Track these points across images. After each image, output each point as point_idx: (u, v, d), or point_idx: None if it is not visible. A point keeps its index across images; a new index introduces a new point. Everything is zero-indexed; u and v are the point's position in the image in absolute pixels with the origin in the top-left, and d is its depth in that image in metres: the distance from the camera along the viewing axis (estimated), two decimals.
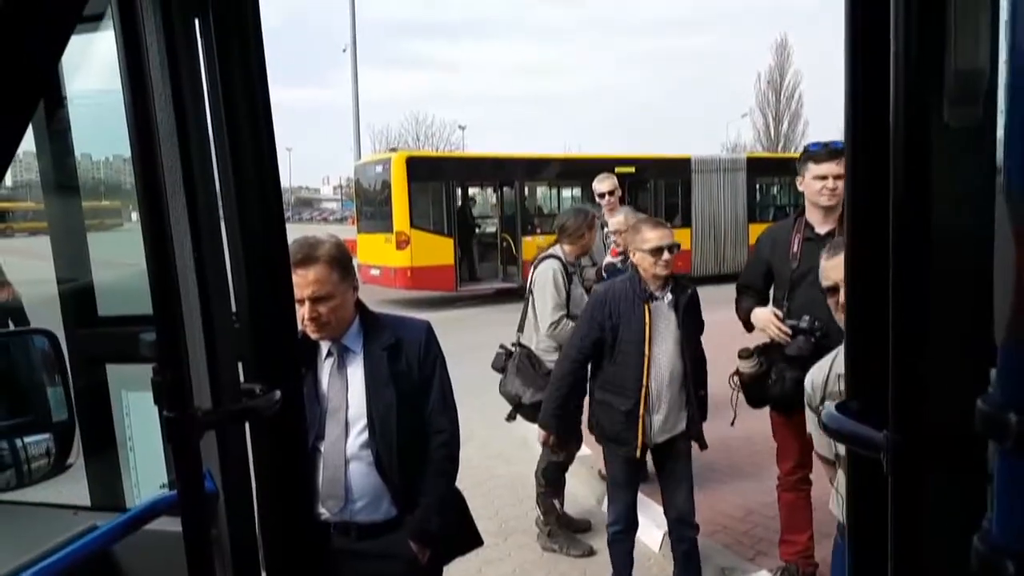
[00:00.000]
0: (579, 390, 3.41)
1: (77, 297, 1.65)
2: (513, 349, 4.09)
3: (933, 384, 0.63)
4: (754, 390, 3.25)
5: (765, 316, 3.23)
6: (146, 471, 1.69)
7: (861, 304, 0.75)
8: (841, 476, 1.93)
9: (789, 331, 3.10)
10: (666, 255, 3.11)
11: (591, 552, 4.05)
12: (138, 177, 0.86)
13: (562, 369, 3.35)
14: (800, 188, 3.26)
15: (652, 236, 3.12)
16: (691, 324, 3.26)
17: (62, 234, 1.71)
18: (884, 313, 0.67)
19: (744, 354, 3.24)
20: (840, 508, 1.94)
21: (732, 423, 3.39)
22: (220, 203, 1.05)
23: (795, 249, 3.22)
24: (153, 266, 0.87)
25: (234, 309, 1.07)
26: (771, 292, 3.41)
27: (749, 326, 3.39)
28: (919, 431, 0.64)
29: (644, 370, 3.13)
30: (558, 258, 4.00)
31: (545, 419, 3.43)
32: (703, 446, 3.35)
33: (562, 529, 4.18)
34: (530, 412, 3.85)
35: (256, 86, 1.03)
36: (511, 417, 4.15)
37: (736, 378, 3.30)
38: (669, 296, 3.20)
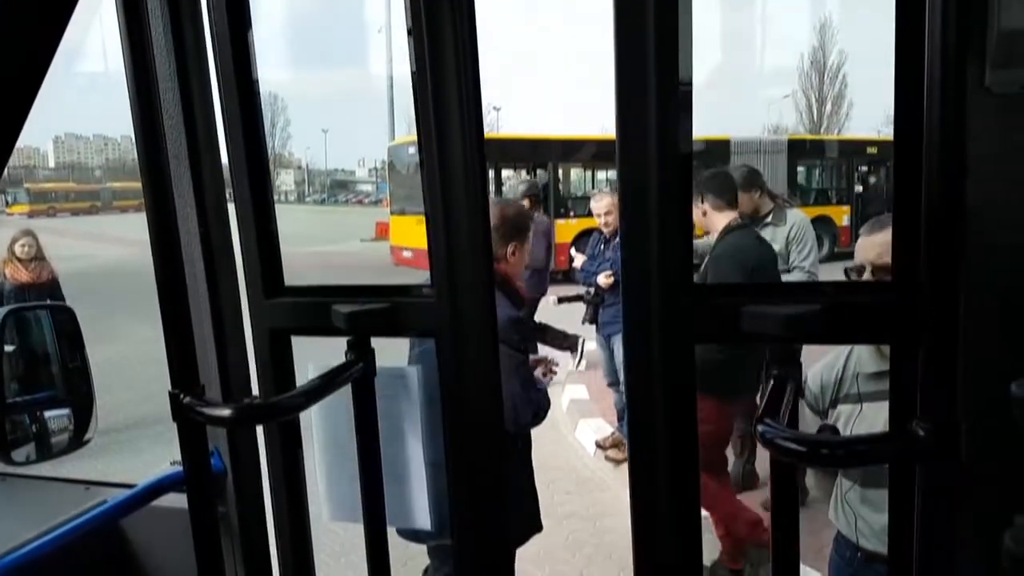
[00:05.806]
0: None
1: None
2: None
3: (966, 367, 0.58)
4: None
5: None
6: None
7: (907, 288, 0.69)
8: (846, 482, 1.74)
9: None
10: None
11: None
12: (141, 158, 0.85)
13: None
14: None
15: None
16: None
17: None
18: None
19: None
20: (841, 516, 1.77)
21: None
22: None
23: None
24: (157, 246, 0.86)
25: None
26: None
27: None
28: (949, 419, 0.59)
29: None
30: None
31: None
32: None
33: None
34: None
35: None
36: None
37: None
38: None
